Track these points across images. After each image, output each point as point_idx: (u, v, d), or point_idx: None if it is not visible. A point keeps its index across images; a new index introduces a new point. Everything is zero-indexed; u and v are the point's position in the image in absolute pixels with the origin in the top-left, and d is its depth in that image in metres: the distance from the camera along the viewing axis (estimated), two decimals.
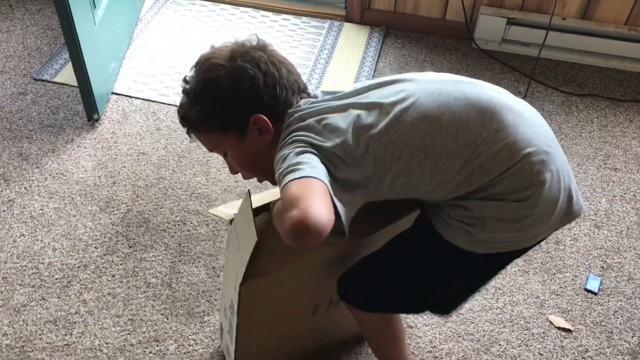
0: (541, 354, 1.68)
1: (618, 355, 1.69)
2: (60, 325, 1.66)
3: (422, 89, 1.01)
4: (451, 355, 1.66)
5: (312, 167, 0.92)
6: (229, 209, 1.33)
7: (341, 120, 1.00)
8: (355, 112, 1.00)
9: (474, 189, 1.01)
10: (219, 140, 1.15)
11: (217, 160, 2.18)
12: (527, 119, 1.05)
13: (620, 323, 1.77)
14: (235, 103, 1.08)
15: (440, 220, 1.09)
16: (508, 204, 1.01)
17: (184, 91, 1.16)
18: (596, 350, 1.70)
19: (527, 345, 1.70)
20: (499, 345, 1.69)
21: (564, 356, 1.68)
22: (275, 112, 1.09)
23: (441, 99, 1.00)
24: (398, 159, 0.99)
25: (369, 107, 1.01)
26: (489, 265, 1.17)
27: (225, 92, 1.08)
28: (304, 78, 2.55)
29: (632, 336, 1.74)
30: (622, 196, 2.17)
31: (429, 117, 0.98)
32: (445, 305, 1.26)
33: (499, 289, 1.83)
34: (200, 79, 1.11)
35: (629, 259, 1.96)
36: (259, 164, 1.17)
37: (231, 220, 1.28)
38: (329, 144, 0.97)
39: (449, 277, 1.17)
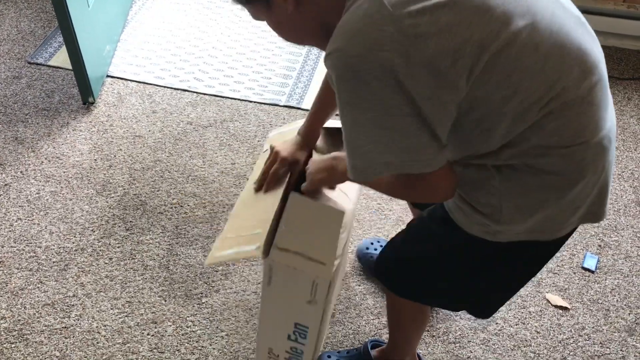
0: (538, 332, 1.69)
1: (615, 332, 1.70)
2: (58, 308, 1.66)
3: (543, 14, 0.86)
4: (448, 334, 1.67)
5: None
6: (223, 249, 1.19)
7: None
8: None
9: (518, 147, 0.90)
10: (253, 12, 0.99)
11: (213, 142, 2.18)
12: (608, 98, 0.94)
13: (617, 301, 1.78)
14: None
15: (455, 208, 1.04)
16: (538, 179, 0.92)
17: None
18: (593, 327, 1.71)
19: (524, 324, 1.70)
20: (496, 323, 1.70)
21: (560, 334, 1.69)
22: None
23: (560, 33, 0.87)
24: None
25: None
26: (512, 257, 1.07)
27: None
28: (297, 66, 2.53)
29: (629, 313, 1.75)
30: (619, 174, 2.17)
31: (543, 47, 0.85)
32: (478, 305, 1.21)
33: None
34: None
35: (627, 237, 1.96)
36: (299, 36, 1.00)
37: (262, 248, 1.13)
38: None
39: (472, 271, 1.10)
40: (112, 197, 1.96)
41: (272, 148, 1.31)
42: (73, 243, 1.82)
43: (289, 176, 1.29)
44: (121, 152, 2.12)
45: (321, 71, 2.51)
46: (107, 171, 2.05)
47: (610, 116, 0.96)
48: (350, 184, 1.24)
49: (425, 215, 1.16)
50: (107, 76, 2.42)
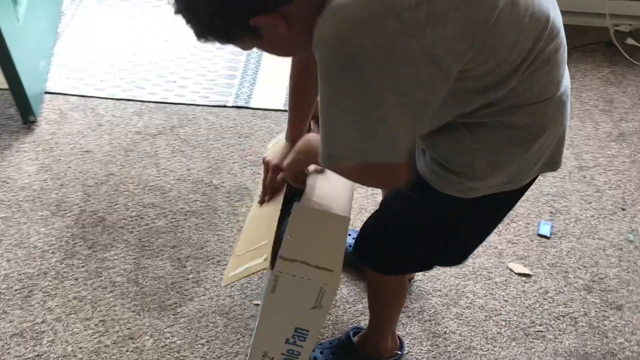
0: (506, 300, 1.76)
1: (575, 292, 1.80)
2: (27, 337, 1.60)
3: None
4: (423, 312, 1.72)
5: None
6: (235, 268, 1.21)
7: None
8: None
9: (491, 108, 0.95)
10: (243, 46, 0.97)
11: (165, 150, 2.15)
12: (566, 57, 1.01)
13: (573, 262, 1.88)
14: (220, 11, 0.89)
15: (429, 172, 1.09)
16: (507, 135, 0.99)
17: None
18: (555, 290, 1.80)
19: (492, 294, 1.78)
20: (467, 297, 1.77)
21: (526, 299, 1.77)
22: None
23: (534, 4, 0.91)
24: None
25: None
26: (483, 209, 1.14)
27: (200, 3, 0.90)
28: (240, 66, 2.52)
29: (585, 273, 1.86)
30: None
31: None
32: (454, 257, 1.29)
33: None
34: None
35: (574, 201, 2.07)
36: (295, 49, 1.01)
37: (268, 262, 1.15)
38: None
39: (451, 229, 1.18)
40: (69, 216, 1.91)
41: (263, 161, 1.32)
42: (34, 268, 1.76)
43: (286, 185, 1.30)
44: (71, 169, 2.05)
45: (266, 67, 2.51)
46: (59, 190, 1.98)
47: (566, 74, 1.05)
48: (343, 183, 1.27)
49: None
50: (46, 92, 2.33)
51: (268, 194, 1.31)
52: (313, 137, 1.18)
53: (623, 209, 2.06)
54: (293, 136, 1.30)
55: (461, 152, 1.02)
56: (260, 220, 1.25)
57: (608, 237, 1.96)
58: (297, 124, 1.31)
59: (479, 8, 0.85)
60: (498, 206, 1.17)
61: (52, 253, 1.80)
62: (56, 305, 1.68)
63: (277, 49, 0.98)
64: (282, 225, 1.19)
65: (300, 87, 1.27)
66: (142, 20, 2.75)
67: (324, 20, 0.84)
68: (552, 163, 1.11)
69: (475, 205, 1.10)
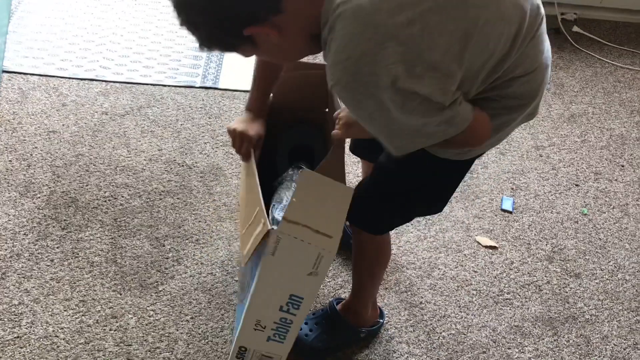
0: (475, 271, 1.86)
1: (537, 262, 1.92)
2: (5, 319, 1.57)
3: None
4: (399, 284, 1.79)
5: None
6: (246, 245, 1.22)
7: None
8: None
9: (490, 85, 1.04)
10: (241, 53, 1.03)
11: (134, 130, 2.12)
12: (545, 22, 1.09)
13: (535, 234, 2.00)
14: (216, 24, 0.95)
15: None
16: (505, 104, 1.07)
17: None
18: (520, 261, 1.91)
19: (462, 266, 1.87)
20: (439, 269, 1.85)
21: (494, 270, 1.87)
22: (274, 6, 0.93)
23: None
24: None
25: None
26: (470, 164, 1.27)
27: (197, 12, 0.95)
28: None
29: (546, 244, 1.98)
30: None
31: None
32: (439, 207, 1.37)
33: (429, 219, 1.98)
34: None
35: (533, 178, 2.19)
36: (290, 55, 1.07)
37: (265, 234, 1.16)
38: None
39: (444, 186, 1.28)
40: (39, 197, 1.86)
41: (228, 130, 1.36)
42: (5, 250, 1.72)
43: (253, 151, 1.34)
44: (37, 150, 2.00)
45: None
46: (26, 171, 1.93)
47: (546, 38, 1.13)
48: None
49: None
50: (3, 72, 2.25)
51: (244, 159, 1.37)
52: None
53: (577, 185, 2.19)
54: (254, 106, 1.38)
55: None
56: (245, 197, 1.29)
57: (564, 211, 2.09)
58: (261, 94, 1.38)
59: (467, 12, 0.92)
60: (478, 158, 1.29)
61: (24, 235, 1.76)
62: (33, 287, 1.64)
63: (273, 56, 1.07)
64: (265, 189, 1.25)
65: (264, 64, 1.35)
66: (100, 1, 2.68)
67: (333, 65, 0.92)
68: (531, 114, 1.20)
69: (467, 164, 1.22)
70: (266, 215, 1.14)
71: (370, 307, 1.61)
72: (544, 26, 1.09)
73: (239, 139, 1.34)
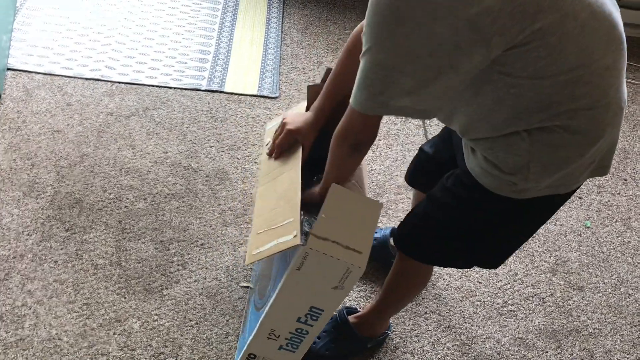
0: (480, 282, 1.86)
1: (541, 274, 1.92)
2: (8, 320, 1.55)
3: None
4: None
5: None
6: (260, 245, 1.18)
7: None
8: None
9: (549, 111, 0.99)
10: None
11: (139, 132, 2.11)
12: (625, 63, 1.04)
13: (538, 247, 2.00)
14: None
15: (482, 173, 1.11)
16: (565, 139, 1.01)
17: None
18: (523, 272, 1.92)
19: (466, 277, 1.87)
20: (443, 279, 1.85)
21: (498, 281, 1.87)
22: None
23: (597, 4, 0.96)
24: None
25: None
26: (533, 210, 1.17)
27: None
28: (212, 49, 2.50)
29: (550, 256, 1.98)
30: None
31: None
32: (494, 257, 1.31)
33: None
34: None
35: None
36: None
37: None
38: None
39: (497, 227, 1.20)
40: (43, 197, 1.85)
41: (283, 119, 1.36)
42: (9, 250, 1.70)
43: (301, 152, 1.30)
44: (42, 150, 1.98)
45: (237, 51, 2.51)
46: (30, 171, 1.91)
47: (624, 83, 1.08)
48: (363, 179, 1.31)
49: (447, 185, 1.23)
50: (8, 69, 2.23)
51: (276, 153, 1.35)
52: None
53: (580, 198, 2.20)
54: (318, 108, 1.32)
55: (517, 154, 1.05)
56: (276, 194, 1.25)
57: (568, 224, 2.10)
58: (326, 100, 1.31)
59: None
60: (545, 209, 1.19)
61: (28, 235, 1.74)
62: (36, 289, 1.63)
63: None
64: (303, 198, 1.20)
65: (344, 67, 1.27)
66: (106, 1, 2.67)
67: None
68: (602, 167, 1.14)
69: (525, 206, 1.13)
70: (299, 229, 1.10)
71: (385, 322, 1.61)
72: (623, 57, 1.03)
73: (283, 135, 1.32)
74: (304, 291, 1.16)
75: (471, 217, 1.21)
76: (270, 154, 1.35)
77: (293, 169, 1.26)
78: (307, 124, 1.31)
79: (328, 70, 1.34)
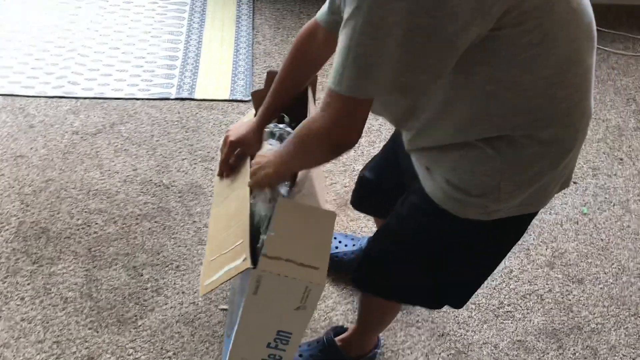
0: None
1: (538, 269, 1.82)
2: None
3: None
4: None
5: None
6: (211, 275, 1.09)
7: None
8: None
9: (527, 116, 0.90)
10: None
11: (107, 150, 2.00)
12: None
13: (533, 239, 1.90)
14: None
15: (444, 197, 1.01)
16: (537, 152, 0.93)
17: None
18: (519, 268, 1.82)
19: None
20: None
21: (493, 280, 1.78)
22: None
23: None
24: None
25: None
26: (504, 230, 1.07)
27: None
28: (180, 54, 2.38)
29: (546, 249, 1.88)
30: None
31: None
32: (464, 291, 1.20)
33: None
34: None
35: None
36: None
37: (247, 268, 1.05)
38: None
39: (464, 253, 1.09)
40: (7, 229, 1.75)
41: (225, 134, 1.27)
42: None
43: (248, 166, 1.20)
44: (4, 177, 1.88)
45: (207, 55, 2.39)
46: None
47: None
48: (318, 185, 1.20)
49: (404, 214, 1.12)
50: None
51: (225, 171, 1.26)
52: (282, 151, 1.10)
53: (575, 182, 2.10)
54: (263, 110, 1.22)
55: (486, 174, 0.95)
56: (226, 219, 1.17)
57: (564, 212, 2.00)
58: (271, 103, 1.21)
59: None
60: (517, 227, 1.08)
61: None
62: (2, 330, 1.54)
63: None
64: (253, 221, 1.12)
65: (290, 68, 1.18)
66: (66, 10, 2.55)
67: None
68: (567, 180, 1.06)
69: (496, 227, 1.03)
70: (249, 250, 1.02)
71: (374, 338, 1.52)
72: (594, 60, 0.95)
73: (227, 148, 1.23)
74: (266, 316, 1.08)
75: (435, 246, 1.10)
76: (220, 174, 1.26)
77: (241, 186, 1.17)
78: (249, 131, 1.22)
79: (271, 73, 1.24)
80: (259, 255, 1.02)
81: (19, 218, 1.78)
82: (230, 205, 1.19)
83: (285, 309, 1.06)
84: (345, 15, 0.82)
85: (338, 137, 0.92)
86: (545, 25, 0.83)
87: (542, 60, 0.85)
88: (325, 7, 1.11)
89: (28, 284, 1.63)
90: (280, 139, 1.22)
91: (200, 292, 1.06)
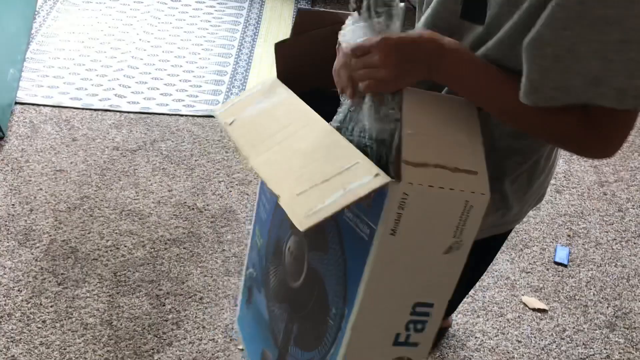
0: (519, 341, 1.59)
1: (596, 329, 1.63)
2: None
3: None
4: (427, 357, 1.55)
5: None
6: (312, 204, 0.70)
7: None
8: None
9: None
10: None
11: (145, 168, 1.96)
12: None
13: (593, 294, 1.70)
14: None
15: None
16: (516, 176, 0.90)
17: None
18: (574, 328, 1.63)
19: (503, 334, 1.60)
20: (476, 337, 1.60)
21: (542, 339, 1.60)
22: None
23: None
24: None
25: None
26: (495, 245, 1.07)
27: None
28: (229, 69, 2.32)
29: (607, 307, 1.68)
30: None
31: None
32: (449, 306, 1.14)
33: None
34: None
35: (594, 222, 1.88)
36: None
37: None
38: None
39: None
40: (38, 247, 1.74)
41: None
42: None
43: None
44: (42, 192, 1.88)
45: (256, 69, 2.32)
46: (27, 217, 1.81)
47: None
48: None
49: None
50: (16, 103, 2.15)
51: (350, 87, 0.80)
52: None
53: None
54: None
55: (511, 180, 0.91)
56: (300, 153, 0.80)
57: (632, 265, 1.78)
58: None
59: None
60: (483, 251, 1.01)
61: (18, 291, 1.63)
62: (20, 353, 1.51)
63: None
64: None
65: None
66: (122, 19, 2.54)
67: None
68: (542, 195, 1.02)
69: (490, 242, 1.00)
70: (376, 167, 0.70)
71: None
72: None
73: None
74: (402, 277, 0.74)
75: None
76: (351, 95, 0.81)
77: (309, 122, 0.82)
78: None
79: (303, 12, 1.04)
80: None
81: (51, 236, 1.76)
82: (299, 142, 0.81)
83: (431, 255, 0.73)
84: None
85: (604, 155, 0.77)
86: None
87: None
88: None
89: (51, 306, 1.61)
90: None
91: (303, 226, 0.68)
